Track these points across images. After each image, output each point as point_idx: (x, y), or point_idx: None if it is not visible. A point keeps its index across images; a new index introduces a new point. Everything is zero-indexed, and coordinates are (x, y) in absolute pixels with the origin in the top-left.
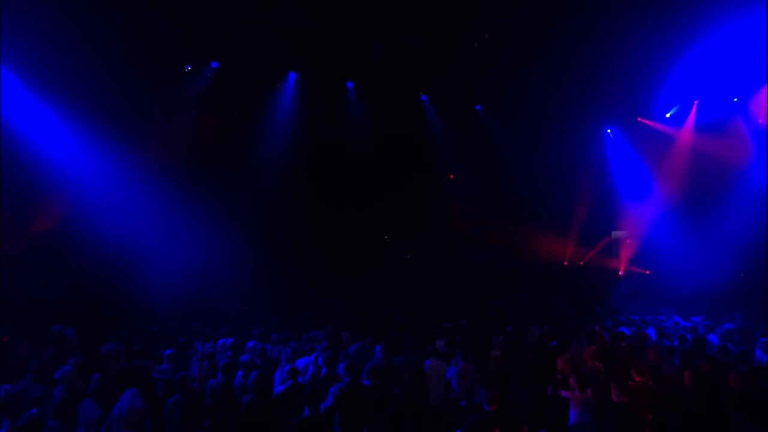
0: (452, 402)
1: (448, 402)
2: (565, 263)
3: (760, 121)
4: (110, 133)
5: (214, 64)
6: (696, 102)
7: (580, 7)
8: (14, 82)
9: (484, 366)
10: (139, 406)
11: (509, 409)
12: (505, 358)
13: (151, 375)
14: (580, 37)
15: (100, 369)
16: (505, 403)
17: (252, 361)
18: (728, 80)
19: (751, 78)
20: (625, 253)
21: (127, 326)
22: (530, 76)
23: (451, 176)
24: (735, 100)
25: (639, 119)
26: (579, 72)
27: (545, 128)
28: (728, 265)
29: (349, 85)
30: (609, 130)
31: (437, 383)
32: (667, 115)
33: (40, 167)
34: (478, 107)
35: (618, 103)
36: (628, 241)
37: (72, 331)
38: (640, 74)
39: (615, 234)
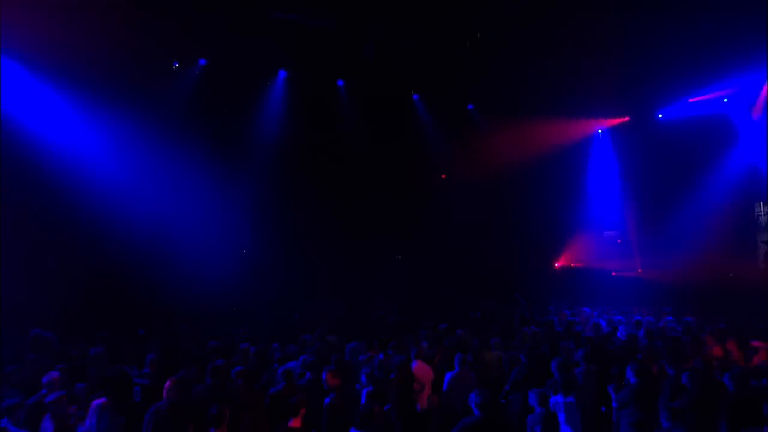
0: (441, 406)
1: (433, 406)
2: (557, 265)
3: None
4: (101, 131)
5: (203, 62)
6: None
7: (572, 7)
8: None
9: (481, 369)
10: (112, 422)
11: (501, 415)
12: (500, 360)
13: (132, 381)
14: (573, 36)
15: (83, 375)
16: (496, 409)
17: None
18: (721, 78)
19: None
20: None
21: (111, 327)
22: (522, 75)
23: (443, 176)
24: (725, 100)
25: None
26: (571, 71)
27: (537, 128)
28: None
29: (340, 83)
30: (600, 131)
31: (423, 386)
32: (660, 116)
33: (31, 165)
34: (470, 106)
35: (610, 103)
36: (619, 241)
37: (51, 333)
38: (634, 74)
39: (607, 234)
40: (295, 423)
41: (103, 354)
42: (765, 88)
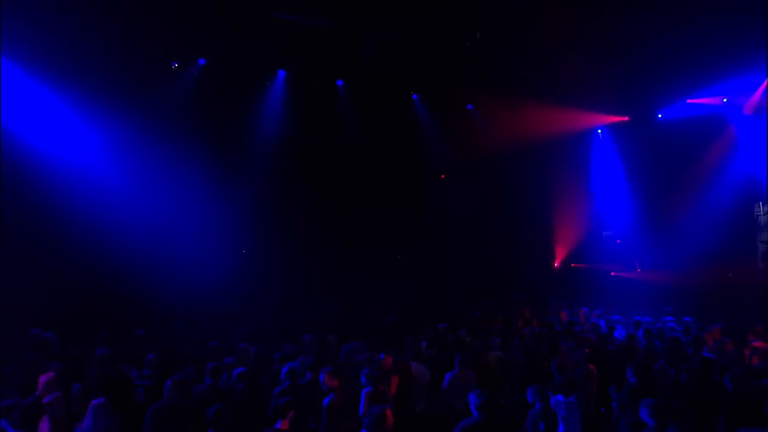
0: (436, 408)
1: (429, 408)
2: (556, 265)
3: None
4: (100, 131)
5: (202, 61)
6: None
7: (571, 6)
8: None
9: (481, 370)
10: (109, 421)
11: (499, 415)
12: (499, 360)
13: (131, 381)
14: (571, 36)
15: (80, 375)
16: (495, 409)
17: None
18: (721, 79)
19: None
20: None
21: (110, 328)
22: (521, 76)
23: (443, 176)
24: (725, 100)
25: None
26: (570, 71)
27: (537, 128)
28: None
29: (340, 83)
30: (600, 130)
31: (419, 387)
32: (659, 116)
33: (30, 166)
34: (470, 106)
35: (610, 103)
36: (618, 241)
37: (51, 334)
38: (633, 74)
39: (606, 234)
40: (284, 425)
41: (108, 355)
42: (764, 86)
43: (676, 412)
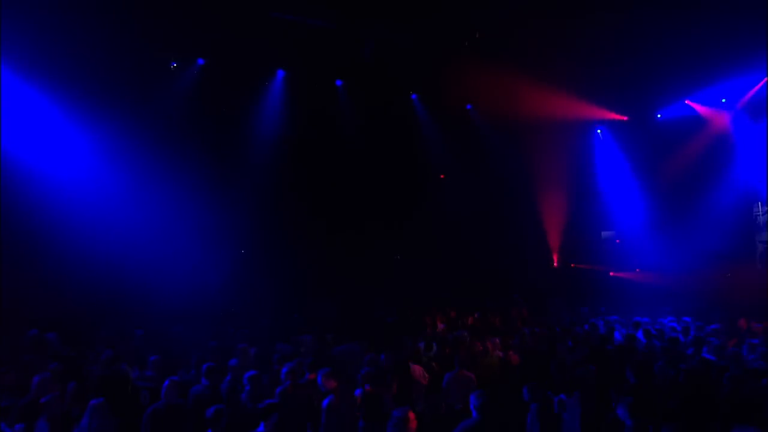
0: (435, 408)
1: (429, 408)
2: (555, 265)
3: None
4: (99, 131)
5: (201, 61)
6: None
7: (571, 6)
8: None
9: (480, 370)
10: (105, 422)
11: (499, 416)
12: (499, 360)
13: (132, 382)
14: (571, 36)
15: (78, 375)
16: (495, 410)
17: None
18: (718, 79)
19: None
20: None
21: (109, 328)
22: (521, 76)
23: (442, 176)
24: (723, 100)
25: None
26: (570, 71)
27: (536, 128)
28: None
29: (338, 83)
30: (599, 130)
31: (418, 388)
32: (659, 116)
33: (30, 167)
34: (469, 106)
35: (610, 102)
36: (618, 241)
37: (53, 335)
38: (633, 74)
39: (604, 234)
40: (266, 429)
41: (112, 358)
42: (761, 84)
43: (670, 413)
